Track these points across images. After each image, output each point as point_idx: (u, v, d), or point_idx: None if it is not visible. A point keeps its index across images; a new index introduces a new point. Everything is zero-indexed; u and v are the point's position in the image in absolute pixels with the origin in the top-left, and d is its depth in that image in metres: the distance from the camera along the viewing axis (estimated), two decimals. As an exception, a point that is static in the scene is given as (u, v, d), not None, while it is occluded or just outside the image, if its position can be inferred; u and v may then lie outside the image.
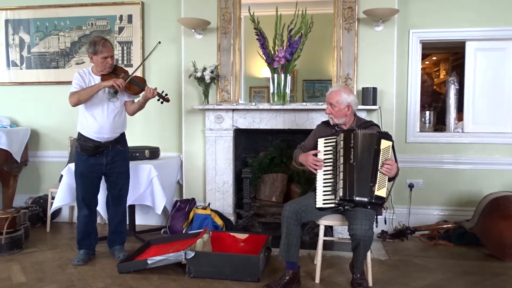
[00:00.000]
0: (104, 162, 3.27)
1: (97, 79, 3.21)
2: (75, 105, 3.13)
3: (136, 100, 3.38)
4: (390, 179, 2.78)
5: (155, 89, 3.24)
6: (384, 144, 2.73)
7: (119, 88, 3.07)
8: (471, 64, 4.15)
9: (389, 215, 3.88)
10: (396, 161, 2.79)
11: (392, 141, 2.78)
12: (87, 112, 3.19)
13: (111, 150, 3.27)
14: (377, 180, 2.68)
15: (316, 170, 2.84)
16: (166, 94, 3.33)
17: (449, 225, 3.85)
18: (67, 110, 4.51)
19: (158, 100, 3.30)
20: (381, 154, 2.70)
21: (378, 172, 2.69)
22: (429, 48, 5.12)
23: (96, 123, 3.18)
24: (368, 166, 2.70)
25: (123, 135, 3.39)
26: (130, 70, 3.47)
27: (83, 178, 3.26)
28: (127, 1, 4.47)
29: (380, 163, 2.69)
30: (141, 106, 3.34)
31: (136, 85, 3.26)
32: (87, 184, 3.27)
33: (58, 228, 4.37)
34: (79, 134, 3.25)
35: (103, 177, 3.36)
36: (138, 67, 3.24)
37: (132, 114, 3.40)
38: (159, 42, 3.28)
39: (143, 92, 3.25)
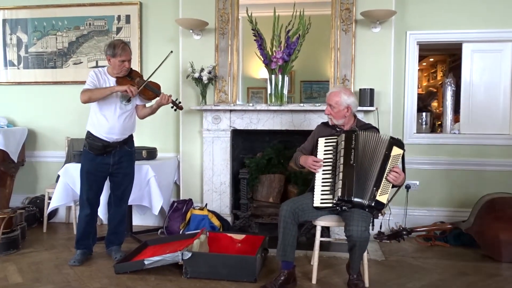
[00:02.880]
0: (111, 162, 3.27)
1: (112, 80, 3.23)
2: (85, 102, 3.13)
3: (148, 105, 3.41)
4: (393, 186, 2.78)
5: (170, 96, 3.26)
6: (396, 151, 2.70)
7: (131, 95, 3.08)
8: (467, 66, 4.17)
9: (386, 216, 3.88)
10: (404, 170, 2.78)
11: (404, 150, 2.75)
12: (99, 112, 3.20)
13: (118, 150, 3.29)
14: (381, 185, 2.68)
15: (315, 170, 2.84)
16: (180, 102, 3.35)
17: (446, 226, 3.87)
18: (65, 110, 4.56)
19: (172, 107, 3.32)
20: (390, 161, 2.69)
21: (384, 178, 2.69)
22: (426, 49, 5.14)
23: (107, 123, 3.19)
24: (373, 169, 2.69)
25: (131, 136, 3.41)
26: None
27: (89, 176, 3.26)
28: (125, 1, 4.47)
29: (387, 169, 2.69)
30: (153, 111, 3.37)
31: (151, 91, 3.28)
32: (92, 183, 3.27)
33: (54, 228, 4.36)
34: (88, 132, 3.26)
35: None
36: (152, 73, 3.27)
37: (143, 117, 3.43)
38: (171, 52, 3.33)
39: (157, 98, 3.28)
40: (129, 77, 3.26)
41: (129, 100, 3.17)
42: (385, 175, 2.68)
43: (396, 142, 2.73)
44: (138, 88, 3.19)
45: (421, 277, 3.06)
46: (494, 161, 4.06)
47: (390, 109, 3.95)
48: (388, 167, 2.69)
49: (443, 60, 6.64)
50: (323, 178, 2.84)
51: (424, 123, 4.49)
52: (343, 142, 2.77)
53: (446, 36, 4.11)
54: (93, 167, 3.25)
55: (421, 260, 3.45)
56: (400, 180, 2.73)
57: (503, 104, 4.11)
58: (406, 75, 4.14)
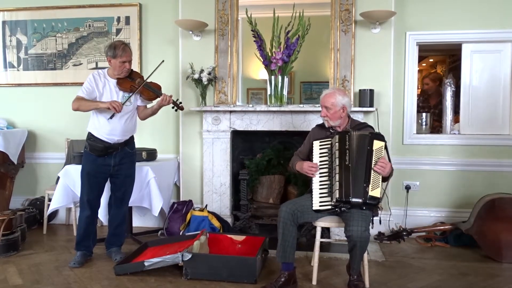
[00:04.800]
0: (112, 163, 3.27)
1: (112, 82, 3.23)
2: (74, 110, 3.14)
3: (149, 106, 3.41)
4: (384, 179, 2.79)
5: (171, 96, 3.27)
6: (377, 144, 2.74)
7: (115, 111, 3.05)
8: (467, 66, 4.17)
9: (386, 217, 3.88)
10: (389, 161, 2.79)
11: (385, 142, 2.79)
12: (100, 114, 3.20)
13: (119, 151, 3.29)
14: (371, 180, 2.69)
15: (312, 174, 2.85)
16: (181, 103, 3.36)
17: (446, 227, 3.87)
18: (64, 111, 4.55)
19: (173, 107, 3.33)
20: (374, 155, 2.72)
21: (372, 172, 2.70)
22: (426, 50, 5.14)
23: (108, 124, 3.19)
24: (361, 166, 2.71)
25: (132, 138, 3.41)
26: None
27: (90, 178, 3.26)
28: (125, 2, 4.47)
29: (373, 163, 2.71)
30: (154, 112, 3.38)
31: (152, 91, 3.29)
32: (93, 184, 3.27)
33: (54, 230, 4.36)
34: (89, 134, 3.26)
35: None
36: (149, 76, 3.27)
37: (144, 119, 3.43)
38: (163, 61, 3.33)
39: (158, 99, 3.28)
40: (129, 78, 3.26)
41: (112, 117, 3.13)
42: (372, 169, 2.70)
43: (375, 136, 2.77)
44: (135, 91, 3.19)
45: (422, 278, 3.06)
46: (495, 161, 4.06)
47: (390, 109, 3.95)
48: (373, 161, 2.71)
49: (443, 60, 6.64)
50: (320, 181, 2.84)
51: (424, 123, 4.48)
52: (337, 144, 2.77)
53: (446, 37, 4.11)
54: (94, 168, 3.25)
55: (421, 260, 3.44)
56: (388, 170, 2.73)
57: (503, 104, 4.11)
58: (405, 76, 4.14)
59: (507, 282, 3.01)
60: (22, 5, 4.64)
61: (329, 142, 2.85)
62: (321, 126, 3.08)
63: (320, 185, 2.83)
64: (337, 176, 2.72)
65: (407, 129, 4.17)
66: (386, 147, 2.80)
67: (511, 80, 4.08)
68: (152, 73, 3.26)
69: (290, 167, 3.15)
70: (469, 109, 4.17)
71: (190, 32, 4.13)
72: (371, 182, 2.69)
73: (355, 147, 2.74)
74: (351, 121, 3.01)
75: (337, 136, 2.80)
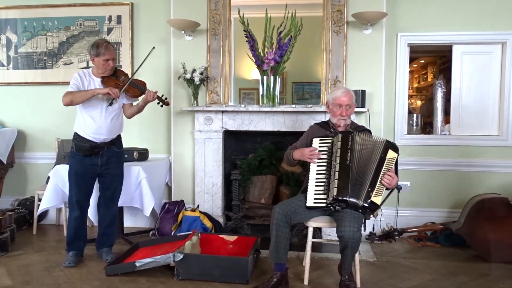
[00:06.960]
0: (99, 163, 3.25)
1: (97, 80, 3.21)
2: (67, 105, 3.10)
3: (134, 103, 3.39)
4: (387, 188, 2.80)
5: (156, 92, 3.26)
6: (390, 154, 2.74)
7: (115, 96, 3.06)
8: (457, 68, 4.21)
9: (377, 217, 3.91)
10: (397, 174, 2.80)
11: (398, 154, 2.79)
12: (86, 113, 3.18)
13: (106, 151, 3.26)
14: (376, 187, 2.70)
15: (311, 160, 2.84)
16: (166, 98, 3.35)
17: (436, 227, 3.90)
18: (55, 111, 4.52)
19: (158, 103, 3.32)
20: (385, 164, 2.72)
21: (379, 179, 2.71)
22: (417, 51, 5.19)
23: (94, 123, 3.17)
24: (369, 170, 2.71)
25: (119, 137, 3.39)
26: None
27: (78, 178, 3.23)
28: (116, 1, 4.44)
29: (382, 172, 2.71)
30: (140, 109, 3.36)
31: (137, 88, 3.27)
32: (81, 184, 3.24)
33: (44, 230, 4.32)
34: (75, 134, 3.23)
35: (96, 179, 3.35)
36: (136, 71, 3.26)
37: (130, 117, 3.41)
38: (154, 48, 3.33)
39: (143, 95, 3.27)
40: (114, 76, 3.24)
41: (111, 103, 3.13)
42: (380, 177, 2.71)
43: (391, 145, 2.78)
44: (123, 87, 3.18)
45: (412, 278, 3.08)
46: (484, 162, 4.10)
47: (381, 110, 3.97)
48: (383, 169, 2.71)
49: (434, 61, 6.71)
50: (317, 178, 2.84)
51: (415, 124, 4.52)
52: (339, 143, 2.78)
53: (437, 38, 4.15)
54: (81, 168, 3.23)
55: (412, 260, 3.47)
56: (394, 183, 2.75)
57: (493, 105, 4.16)
58: (397, 77, 4.17)
59: (496, 281, 3.04)
60: (12, 3, 4.59)
61: (330, 141, 2.86)
62: (320, 125, 3.10)
63: (316, 182, 2.83)
64: (336, 174, 2.71)
65: (398, 130, 4.19)
66: (397, 160, 2.79)
67: (501, 81, 4.13)
68: (144, 61, 3.24)
69: (285, 162, 3.13)
70: (459, 110, 4.21)
71: (182, 32, 4.12)
72: (376, 188, 2.70)
73: (359, 149, 2.75)
74: (351, 123, 3.04)
75: (340, 136, 2.80)
